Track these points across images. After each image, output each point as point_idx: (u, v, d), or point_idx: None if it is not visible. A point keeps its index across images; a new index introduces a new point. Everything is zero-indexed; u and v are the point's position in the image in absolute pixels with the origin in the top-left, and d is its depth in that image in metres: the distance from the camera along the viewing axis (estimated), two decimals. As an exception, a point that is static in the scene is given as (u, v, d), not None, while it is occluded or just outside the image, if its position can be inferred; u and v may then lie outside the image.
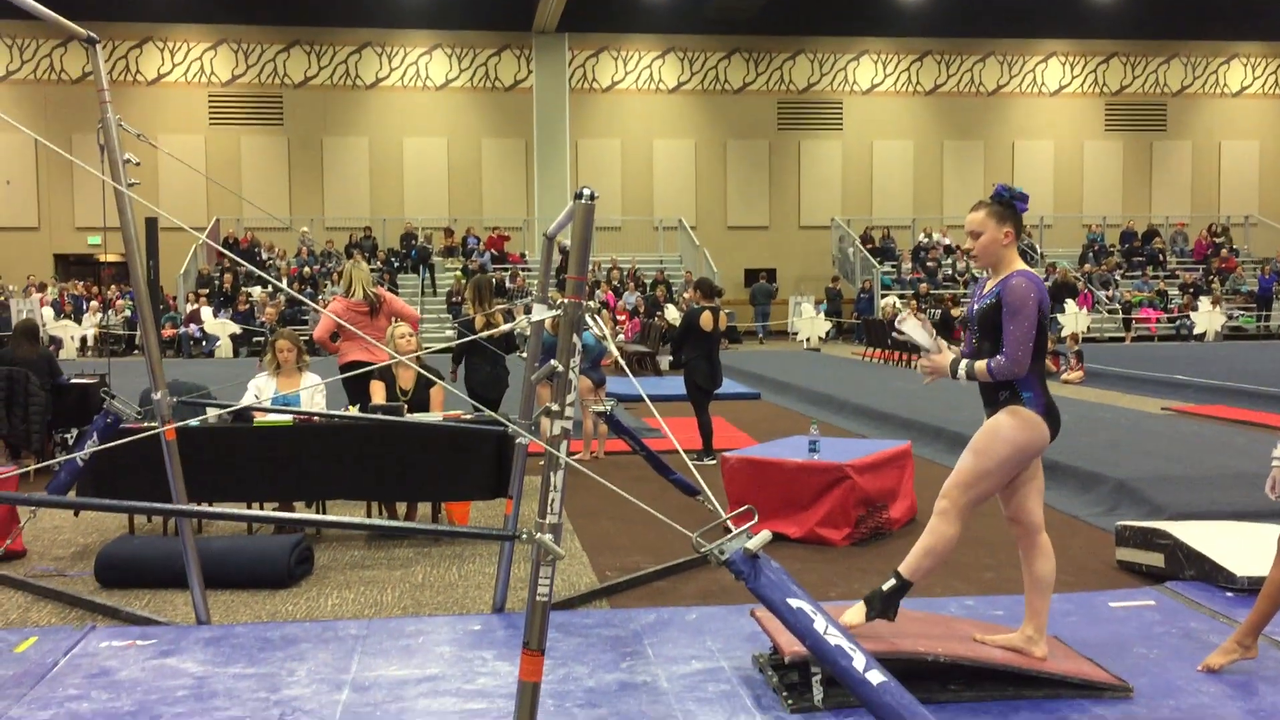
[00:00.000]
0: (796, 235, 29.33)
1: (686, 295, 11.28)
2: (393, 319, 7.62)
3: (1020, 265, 3.88)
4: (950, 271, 26.75)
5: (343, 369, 7.55)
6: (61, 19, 4.30)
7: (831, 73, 29.48)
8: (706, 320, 9.22)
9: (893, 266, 26.98)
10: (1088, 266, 27.04)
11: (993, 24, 28.85)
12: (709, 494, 3.26)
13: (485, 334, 6.29)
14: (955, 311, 18.25)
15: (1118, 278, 26.96)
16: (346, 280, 7.87)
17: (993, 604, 5.00)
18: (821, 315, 25.18)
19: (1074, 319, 22.50)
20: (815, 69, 29.41)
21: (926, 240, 28.04)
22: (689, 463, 3.50)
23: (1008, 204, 3.92)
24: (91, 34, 4.50)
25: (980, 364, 3.78)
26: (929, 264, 26.90)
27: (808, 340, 23.97)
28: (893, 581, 3.76)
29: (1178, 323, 25.06)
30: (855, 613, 3.78)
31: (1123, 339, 24.60)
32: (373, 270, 24.19)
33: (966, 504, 3.81)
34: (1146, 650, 4.28)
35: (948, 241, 28.04)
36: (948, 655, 3.76)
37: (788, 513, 6.29)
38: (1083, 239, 28.71)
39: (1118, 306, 25.72)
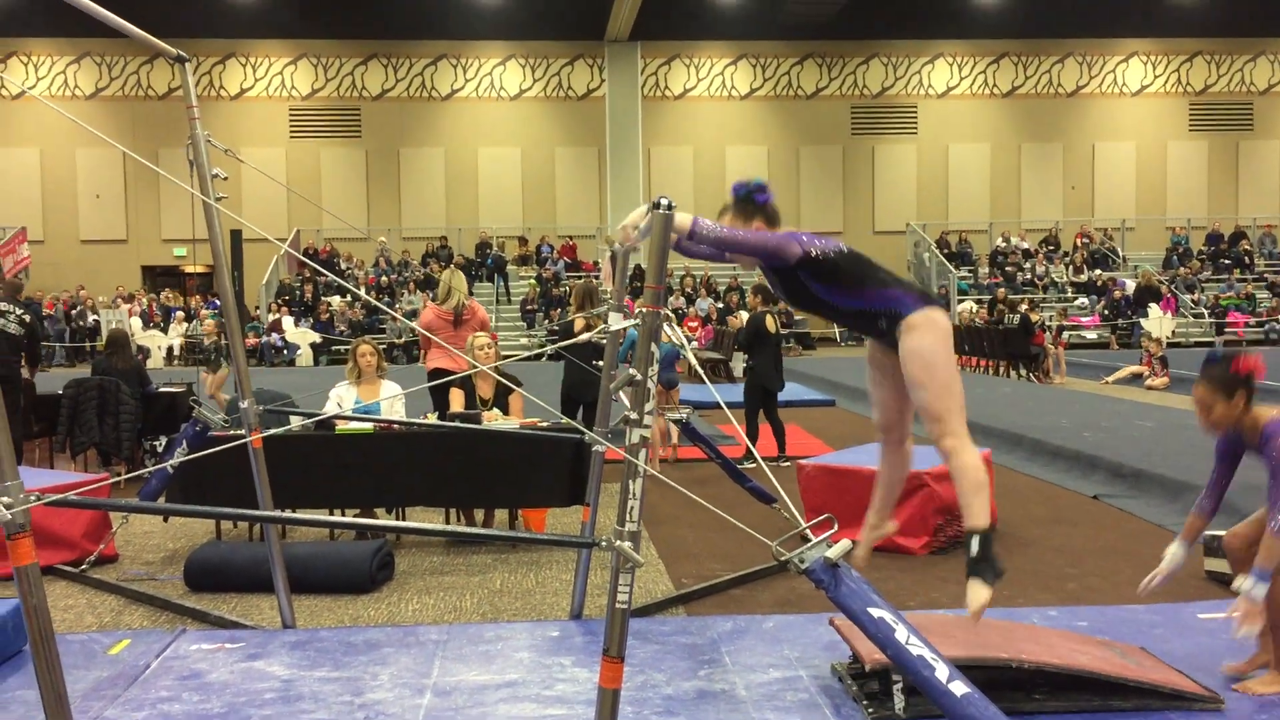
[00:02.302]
0: (871, 240, 29.02)
1: (748, 301, 11.36)
2: (478, 330, 7.78)
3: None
4: (1029, 276, 26.33)
5: (430, 375, 7.70)
6: (152, 38, 4.42)
7: (906, 76, 29.20)
8: (771, 323, 9.34)
9: (969, 271, 26.63)
10: (1172, 270, 26.44)
11: (1071, 24, 28.34)
12: (787, 501, 3.25)
13: (577, 338, 6.33)
14: (1034, 316, 17.93)
15: (1203, 281, 26.32)
16: (444, 288, 8.02)
17: (1075, 615, 4.91)
18: (897, 321, 24.88)
19: (1158, 324, 22.01)
20: (889, 73, 29.15)
21: (1005, 244, 27.63)
22: (766, 470, 3.49)
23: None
24: (181, 52, 4.63)
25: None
26: (1007, 268, 26.49)
27: (883, 346, 23.72)
28: (976, 542, 3.42)
29: (1266, 326, 24.38)
30: (978, 592, 3.35)
31: (1210, 343, 23.99)
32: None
33: (961, 424, 3.60)
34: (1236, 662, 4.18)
35: (1026, 245, 27.60)
36: (1032, 662, 3.69)
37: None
38: (1167, 242, 28.07)
39: (1203, 310, 25.10)
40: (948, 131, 29.23)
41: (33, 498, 2.64)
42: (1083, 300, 25.41)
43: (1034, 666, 3.68)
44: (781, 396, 14.68)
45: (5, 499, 2.56)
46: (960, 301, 24.41)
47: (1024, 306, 18.71)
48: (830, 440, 10.44)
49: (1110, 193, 29.36)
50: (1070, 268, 26.95)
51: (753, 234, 3.53)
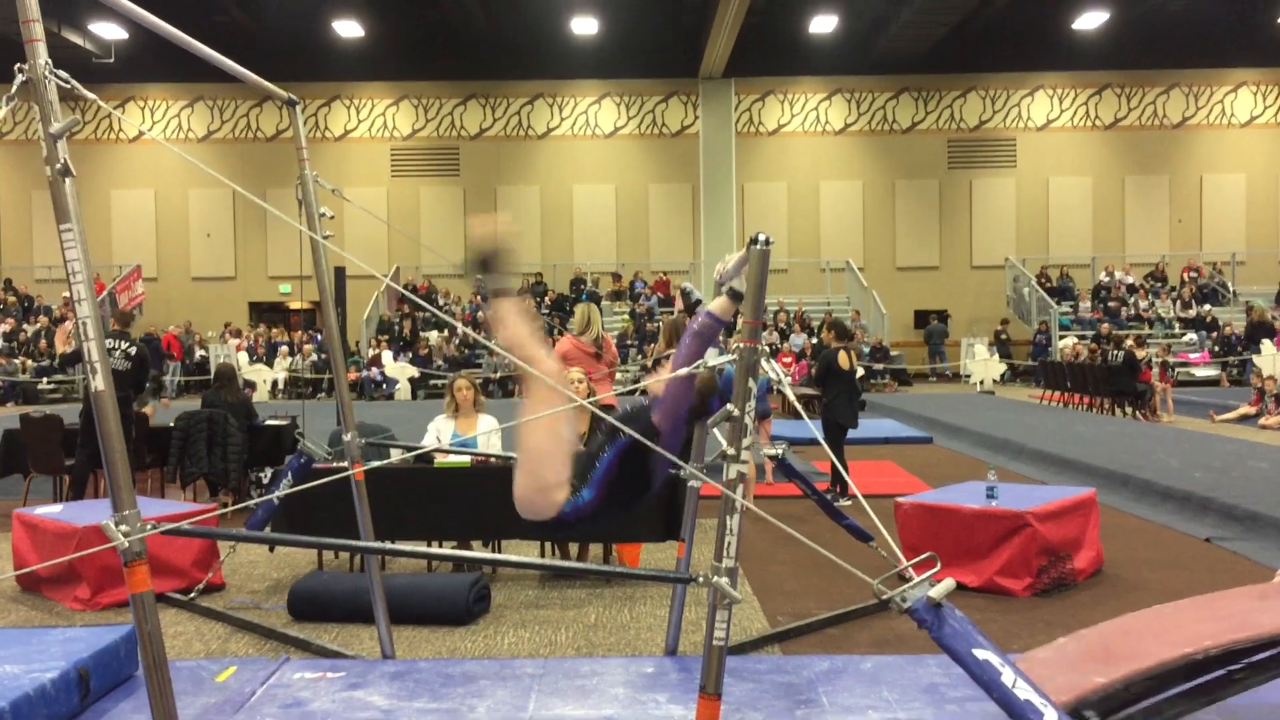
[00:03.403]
0: (969, 275, 28.66)
1: (821, 336, 11.32)
2: (612, 364, 7.91)
3: None
4: (1134, 311, 25.67)
5: None
6: (265, 83, 4.58)
7: (1004, 110, 28.81)
8: (844, 359, 9.34)
9: (1070, 306, 26.06)
10: (1285, 305, 25.56)
11: (1176, 54, 27.70)
12: (887, 539, 3.21)
13: (664, 376, 6.35)
14: (1139, 353, 17.46)
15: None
16: (582, 320, 8.17)
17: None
18: (995, 356, 24.48)
19: (1272, 360, 21.23)
20: (987, 106, 28.80)
21: (1108, 279, 26.99)
22: (866, 506, 3.45)
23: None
24: (292, 96, 4.78)
25: None
26: (1110, 303, 25.87)
27: (981, 382, 23.33)
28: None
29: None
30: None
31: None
32: (542, 314, 24.87)
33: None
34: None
35: (1130, 280, 26.93)
36: (1218, 645, 3.30)
37: (965, 561, 6.12)
38: (1279, 276, 27.14)
39: (1320, 347, 24.16)
40: (1048, 164, 28.73)
41: (149, 526, 2.73)
42: (1191, 336, 24.67)
43: (1223, 649, 3.29)
44: (879, 433, 14.59)
45: (124, 527, 2.66)
46: (1062, 337, 23.87)
47: (1129, 342, 18.24)
48: (928, 478, 10.27)
49: (1219, 226, 28.52)
50: (1178, 303, 26.21)
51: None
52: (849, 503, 8.20)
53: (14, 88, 2.80)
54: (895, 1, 25.26)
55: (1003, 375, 24.32)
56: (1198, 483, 8.90)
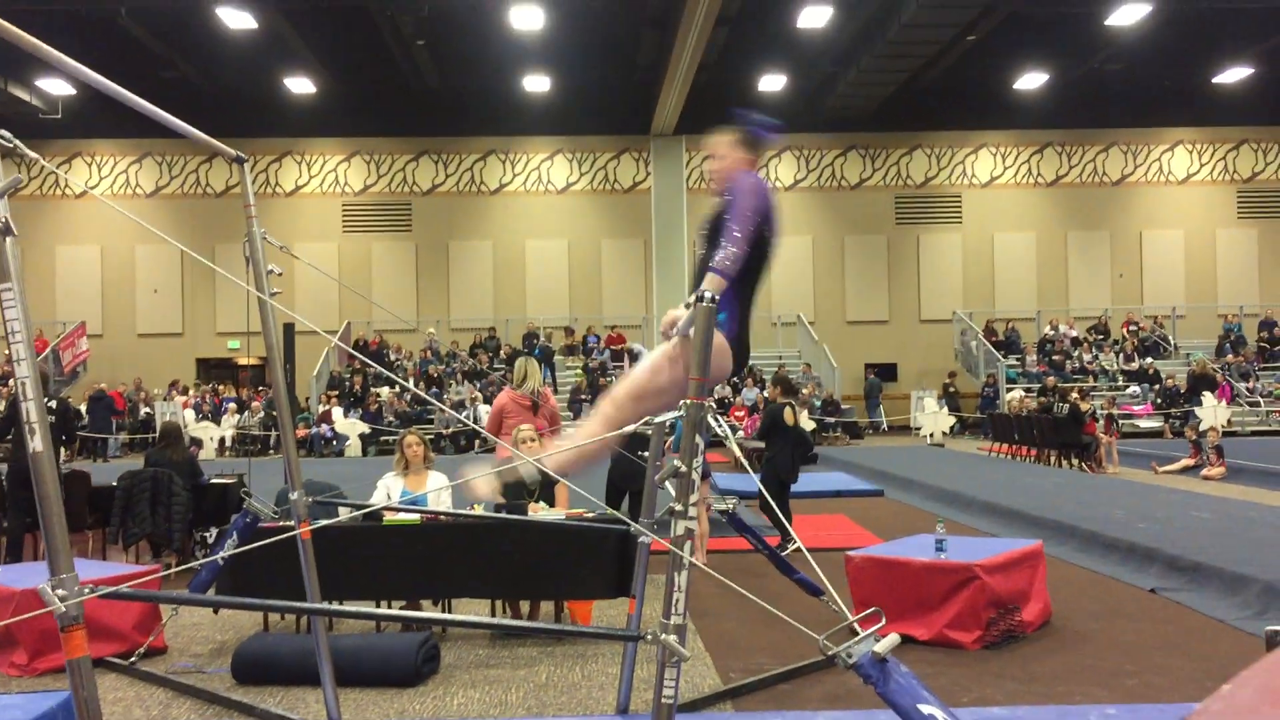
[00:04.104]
0: (918, 329, 29.02)
1: (767, 392, 11.39)
2: (551, 418, 7.92)
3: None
4: (1078, 364, 26.08)
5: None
6: (212, 140, 4.58)
7: (950, 166, 29.40)
8: (789, 415, 9.46)
9: (1017, 359, 26.44)
10: (1226, 358, 26.09)
11: (1114, 114, 28.47)
12: (834, 594, 3.22)
13: (629, 428, 6.36)
14: (1084, 405, 17.73)
15: (1258, 369, 25.92)
16: (520, 373, 8.18)
17: (1137, 713, 4.77)
18: (945, 410, 24.73)
19: (1213, 412, 21.65)
20: (933, 163, 29.37)
21: (1053, 332, 27.44)
22: (811, 561, 3.46)
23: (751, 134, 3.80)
24: (240, 154, 4.78)
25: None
26: (1055, 356, 26.28)
27: (931, 435, 23.54)
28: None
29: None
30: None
31: (1267, 432, 23.53)
32: (495, 369, 24.81)
33: (633, 415, 3.56)
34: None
35: (1075, 334, 27.40)
36: None
37: (915, 614, 6.13)
38: (1219, 329, 27.74)
39: (1259, 399, 24.68)
40: (993, 220, 29.29)
41: (87, 590, 2.68)
42: (1134, 388, 25.10)
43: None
44: (830, 486, 14.67)
45: (60, 591, 2.61)
46: (1009, 390, 24.19)
47: (1074, 395, 18.51)
48: (879, 531, 10.32)
49: (1159, 280, 29.17)
50: (1120, 355, 26.69)
51: (745, 230, 3.49)
52: (794, 546, 8.23)
53: (-45, 146, 2.78)
54: (842, 61, 25.78)
55: (952, 428, 24.56)
56: (1142, 534, 9.01)
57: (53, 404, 8.72)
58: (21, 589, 5.75)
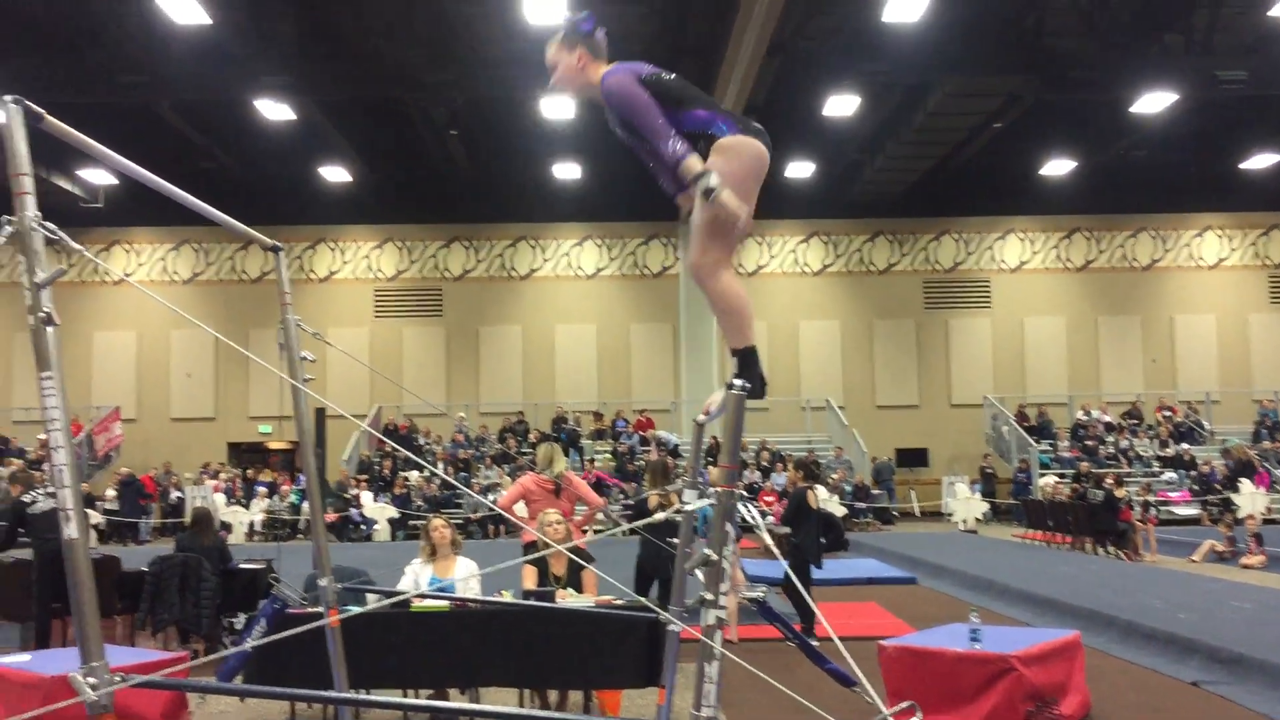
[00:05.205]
0: (948, 413, 28.84)
1: (788, 476, 11.26)
2: (575, 501, 7.95)
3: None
4: (1112, 450, 25.79)
5: (524, 547, 7.85)
6: (249, 230, 4.67)
7: (978, 251, 29.47)
8: (812, 499, 9.46)
9: (1050, 445, 26.17)
10: (1264, 444, 25.73)
11: (1142, 199, 28.51)
12: (868, 686, 3.17)
13: (653, 517, 6.34)
14: (1119, 492, 17.49)
15: (1296, 454, 25.53)
16: (545, 459, 8.23)
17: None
18: (977, 495, 24.45)
19: (1251, 499, 21.29)
20: (961, 248, 29.47)
21: (1085, 417, 27.20)
22: (844, 651, 3.41)
23: (574, 31, 3.70)
24: (276, 243, 4.87)
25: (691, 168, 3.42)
26: (1089, 442, 26.00)
27: (964, 521, 23.25)
28: (737, 361, 3.45)
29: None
30: None
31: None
32: (524, 454, 24.80)
33: (725, 252, 3.59)
34: None
35: (1108, 419, 27.13)
36: None
37: (950, 706, 6.01)
38: (1254, 415, 27.40)
39: (1298, 485, 24.25)
40: (1022, 305, 29.26)
41: (118, 679, 2.68)
42: (1170, 475, 24.75)
43: None
44: (862, 573, 14.49)
45: (91, 679, 2.60)
46: (1042, 475, 23.92)
47: (1109, 481, 18.28)
48: (912, 619, 10.15)
49: (1192, 365, 28.93)
50: (1156, 441, 26.38)
51: (661, 129, 3.47)
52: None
53: (1, 238, 2.85)
54: (869, 148, 26.06)
55: (985, 514, 24.26)
56: (1182, 624, 8.83)
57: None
58: (51, 675, 5.74)
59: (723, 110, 3.58)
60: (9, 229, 2.80)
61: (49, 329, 2.77)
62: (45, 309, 2.75)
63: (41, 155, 2.71)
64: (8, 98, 2.83)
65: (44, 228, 2.81)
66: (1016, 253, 29.49)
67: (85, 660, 2.64)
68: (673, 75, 3.62)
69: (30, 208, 2.79)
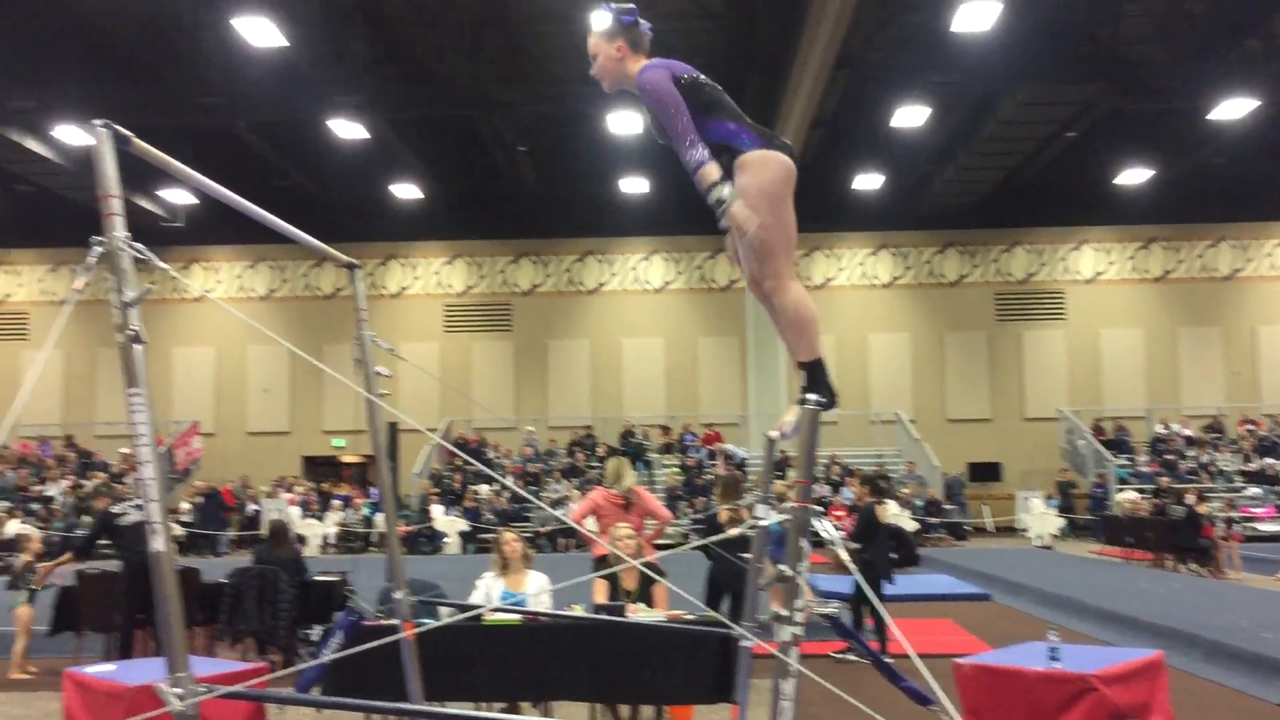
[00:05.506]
0: (1021, 427, 28.38)
1: (853, 491, 11.08)
2: (644, 516, 7.95)
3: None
4: (1193, 465, 25.18)
5: (594, 561, 7.87)
6: (326, 248, 4.74)
7: (1051, 263, 29.01)
8: (881, 514, 9.38)
9: (1128, 459, 25.62)
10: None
11: (1222, 208, 27.86)
12: (947, 704, 3.13)
13: (728, 534, 6.33)
14: (1201, 508, 17.06)
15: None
16: (613, 474, 8.25)
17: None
18: (1053, 510, 24.01)
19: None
20: (1033, 260, 29.03)
21: (1164, 431, 26.60)
22: (922, 668, 3.36)
23: (616, 20, 3.71)
24: (352, 260, 4.95)
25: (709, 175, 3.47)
26: (1168, 456, 25.42)
27: (1039, 537, 22.84)
28: (805, 374, 3.51)
29: None
30: (793, 410, 3.47)
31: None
32: (592, 467, 24.87)
33: (787, 266, 3.54)
34: None
35: (1188, 432, 26.51)
36: None
37: (1029, 726, 5.89)
38: (1342, 427, 26.61)
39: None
40: (1098, 316, 28.71)
41: (202, 689, 2.73)
42: (1255, 490, 24.09)
43: None
44: (935, 589, 14.30)
45: (177, 690, 2.66)
46: (1120, 490, 23.43)
47: (1190, 497, 17.85)
48: (987, 637, 9.99)
49: (1276, 377, 28.14)
50: (1239, 456, 25.70)
51: (688, 130, 3.52)
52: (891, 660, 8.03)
53: (92, 258, 2.93)
54: (939, 159, 25.79)
55: (1061, 530, 23.80)
56: (1268, 644, 8.58)
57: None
58: (134, 685, 5.86)
59: (750, 124, 3.59)
60: (99, 249, 2.88)
61: (137, 346, 2.84)
62: (133, 327, 2.82)
63: (122, 175, 2.80)
64: (97, 122, 2.92)
65: (132, 248, 2.88)
66: (1091, 264, 28.98)
67: (171, 670, 2.70)
68: (710, 82, 3.64)
69: (119, 228, 2.87)
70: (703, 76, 3.62)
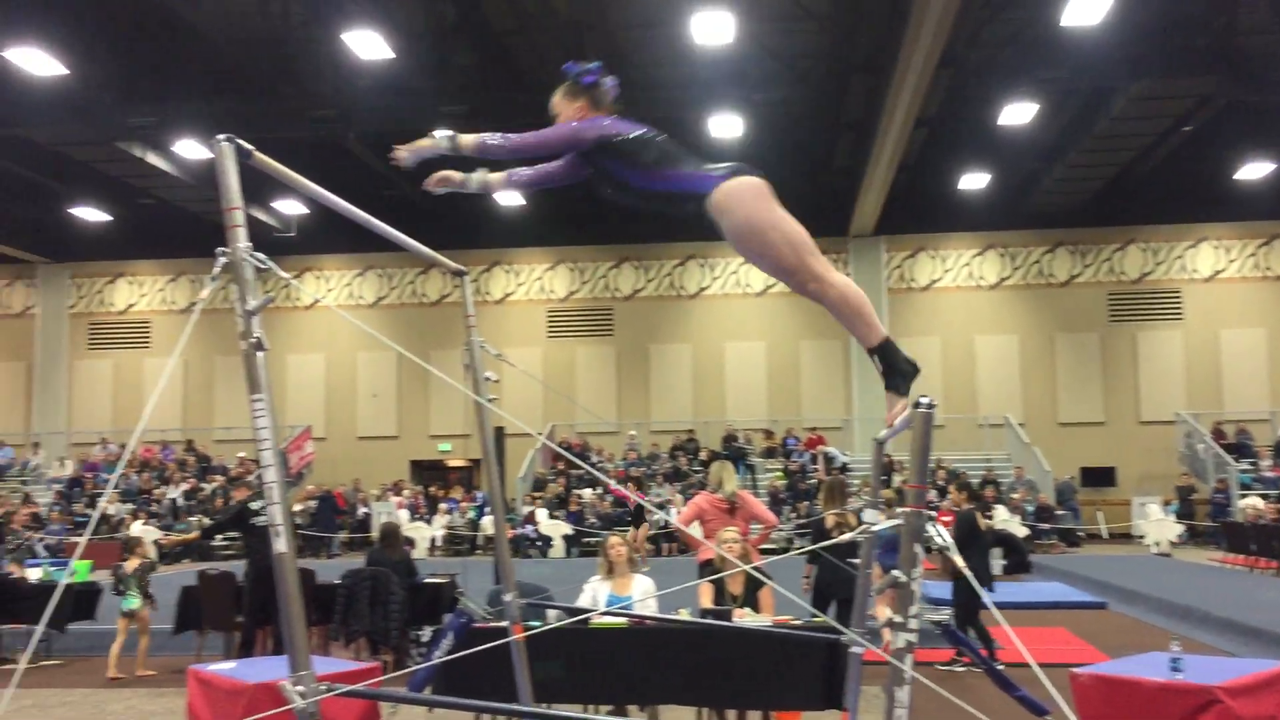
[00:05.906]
0: (1136, 431, 27.53)
1: (950, 498, 10.81)
2: (750, 520, 7.94)
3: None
4: (1321, 469, 24.17)
5: (700, 566, 7.89)
6: (435, 255, 4.83)
7: (1167, 261, 28.11)
8: (981, 521, 9.21)
9: (1250, 464, 24.69)
10: None
11: (1351, 201, 26.72)
12: (1068, 711, 3.05)
13: (837, 539, 6.28)
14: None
15: None
16: (716, 478, 8.27)
17: None
18: (1171, 517, 23.24)
19: None
20: (1148, 258, 28.16)
21: (1290, 434, 25.57)
22: (1043, 677, 3.28)
23: (575, 82, 3.73)
24: (461, 267, 5.02)
25: None
26: (1295, 460, 24.44)
27: (1157, 544, 22.14)
28: (878, 359, 3.41)
29: None
30: (894, 402, 3.35)
31: None
32: (694, 471, 24.85)
33: (819, 264, 3.53)
34: None
35: (1316, 435, 25.45)
36: None
37: (1150, 739, 5.71)
38: None
39: None
40: (1218, 316, 27.72)
41: (323, 688, 2.80)
42: (1390, 496, 23.01)
43: None
44: (1048, 597, 13.96)
45: (300, 688, 2.73)
46: (1243, 496, 22.58)
47: (1318, 502, 17.14)
48: (1104, 646, 9.72)
49: None
50: (1373, 459, 24.58)
51: (543, 131, 3.63)
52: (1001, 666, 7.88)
53: (217, 268, 3.02)
54: (1047, 157, 25.18)
55: (1180, 536, 23.03)
56: None
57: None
58: (255, 683, 6.04)
59: (708, 166, 3.59)
60: (224, 259, 2.97)
61: (259, 354, 2.92)
62: (256, 335, 2.91)
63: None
64: (221, 137, 3.01)
65: (254, 258, 2.98)
66: (1210, 262, 28.00)
67: (294, 669, 2.77)
68: (660, 134, 3.68)
69: (242, 239, 2.96)
70: (650, 132, 3.67)
